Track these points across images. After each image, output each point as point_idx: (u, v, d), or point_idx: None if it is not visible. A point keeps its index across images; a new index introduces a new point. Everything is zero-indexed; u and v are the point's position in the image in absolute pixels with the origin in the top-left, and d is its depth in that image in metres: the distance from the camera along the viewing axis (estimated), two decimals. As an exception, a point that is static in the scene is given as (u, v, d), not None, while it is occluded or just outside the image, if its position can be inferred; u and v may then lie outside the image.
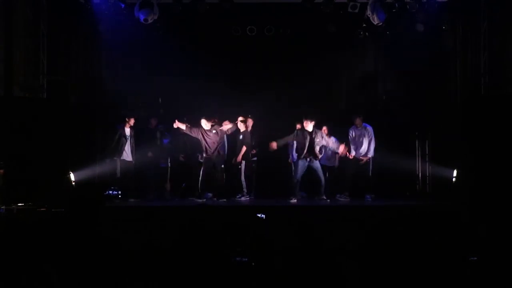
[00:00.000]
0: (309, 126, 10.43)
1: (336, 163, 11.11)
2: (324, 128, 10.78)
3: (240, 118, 10.76)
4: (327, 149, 10.86)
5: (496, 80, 10.64)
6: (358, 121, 10.76)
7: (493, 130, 9.13)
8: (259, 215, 7.31)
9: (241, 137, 10.72)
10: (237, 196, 10.65)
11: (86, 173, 10.67)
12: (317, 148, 10.31)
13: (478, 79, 10.98)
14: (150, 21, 10.62)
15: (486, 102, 10.12)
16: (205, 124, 10.47)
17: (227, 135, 10.79)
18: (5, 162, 9.04)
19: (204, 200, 10.28)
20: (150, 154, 10.51)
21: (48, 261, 3.44)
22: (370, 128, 10.75)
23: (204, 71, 11.64)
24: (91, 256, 3.18)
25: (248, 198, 10.68)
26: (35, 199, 8.77)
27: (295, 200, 10.24)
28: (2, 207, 8.35)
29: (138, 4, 10.50)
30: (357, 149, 10.72)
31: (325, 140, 10.37)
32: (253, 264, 4.43)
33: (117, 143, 10.45)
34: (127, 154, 10.52)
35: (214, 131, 10.46)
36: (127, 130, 10.56)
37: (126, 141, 10.50)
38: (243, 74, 11.96)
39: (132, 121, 10.59)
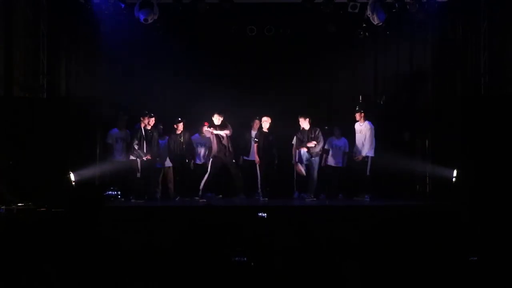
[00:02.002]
0: (304, 124, 10.51)
1: (342, 163, 11.07)
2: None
3: (264, 118, 10.78)
4: (334, 149, 10.91)
5: (496, 80, 10.64)
6: (357, 116, 10.72)
7: (493, 130, 9.14)
8: (260, 214, 7.32)
9: (271, 138, 10.76)
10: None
11: (86, 173, 10.67)
12: (316, 147, 10.34)
13: (478, 79, 10.99)
14: (150, 21, 10.61)
15: (486, 102, 10.12)
16: (217, 119, 10.48)
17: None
18: (5, 162, 9.04)
19: (205, 200, 10.28)
20: (146, 157, 10.41)
21: (48, 261, 3.44)
22: (370, 125, 10.68)
23: (204, 71, 11.62)
24: (91, 256, 3.18)
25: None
26: (35, 199, 8.77)
27: (309, 199, 10.38)
28: (2, 207, 8.35)
29: (138, 4, 10.49)
30: (357, 146, 10.72)
31: (317, 140, 10.41)
32: (252, 264, 4.43)
33: (139, 143, 10.38)
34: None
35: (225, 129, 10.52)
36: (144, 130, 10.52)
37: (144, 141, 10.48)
38: (243, 74, 11.93)
39: (146, 121, 10.54)
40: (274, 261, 4.52)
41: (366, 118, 10.74)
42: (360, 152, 10.64)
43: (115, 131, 10.73)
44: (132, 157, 10.36)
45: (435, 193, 10.91)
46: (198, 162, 11.02)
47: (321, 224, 6.83)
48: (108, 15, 10.78)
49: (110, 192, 10.44)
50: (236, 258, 4.42)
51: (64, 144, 9.65)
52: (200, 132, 10.90)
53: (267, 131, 10.78)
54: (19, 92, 10.29)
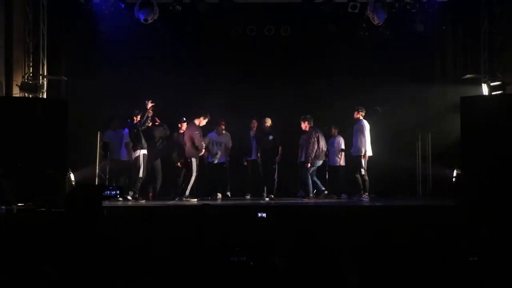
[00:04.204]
0: (303, 126, 10.56)
1: (338, 162, 11.07)
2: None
3: (265, 119, 10.77)
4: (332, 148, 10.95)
5: (496, 80, 10.65)
6: (355, 114, 10.66)
7: (493, 130, 9.13)
8: (260, 214, 7.32)
9: (270, 137, 10.74)
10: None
11: (86, 173, 10.68)
12: (312, 148, 10.36)
13: (478, 79, 11.00)
14: (150, 21, 10.62)
15: (486, 102, 10.12)
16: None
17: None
18: (5, 162, 9.04)
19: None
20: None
21: (48, 261, 3.45)
22: (362, 124, 10.59)
23: (204, 70, 11.63)
24: (91, 256, 3.18)
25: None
26: (35, 199, 8.77)
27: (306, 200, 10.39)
28: (2, 207, 8.34)
29: (138, 4, 10.49)
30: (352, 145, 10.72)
31: (316, 142, 10.40)
32: (251, 263, 4.43)
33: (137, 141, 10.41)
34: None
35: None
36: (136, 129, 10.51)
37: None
38: (243, 74, 11.93)
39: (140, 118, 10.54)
40: (274, 261, 4.52)
41: (363, 117, 10.66)
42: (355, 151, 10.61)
43: (108, 133, 10.77)
44: (135, 155, 10.31)
45: (435, 193, 10.91)
46: (210, 160, 11.05)
47: (321, 224, 6.83)
48: (108, 15, 10.79)
49: (108, 192, 10.39)
50: (235, 258, 4.42)
51: (64, 144, 9.65)
52: (219, 131, 11.00)
53: (267, 130, 10.76)
54: (19, 92, 10.30)
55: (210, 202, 10.00)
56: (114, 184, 10.62)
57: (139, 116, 10.37)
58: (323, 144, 10.53)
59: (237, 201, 10.56)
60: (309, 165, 10.41)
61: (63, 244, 3.24)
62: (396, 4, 10.78)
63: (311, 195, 10.46)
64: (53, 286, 3.29)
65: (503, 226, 6.30)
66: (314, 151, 10.39)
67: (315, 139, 10.40)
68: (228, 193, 11.10)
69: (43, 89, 10.79)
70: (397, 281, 4.41)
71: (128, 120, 10.52)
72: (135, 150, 10.29)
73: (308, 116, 10.64)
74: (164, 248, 4.74)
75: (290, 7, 11.10)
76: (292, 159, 11.11)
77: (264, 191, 10.71)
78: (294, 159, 11.05)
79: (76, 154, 10.54)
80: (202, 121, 10.57)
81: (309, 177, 10.49)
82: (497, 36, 10.72)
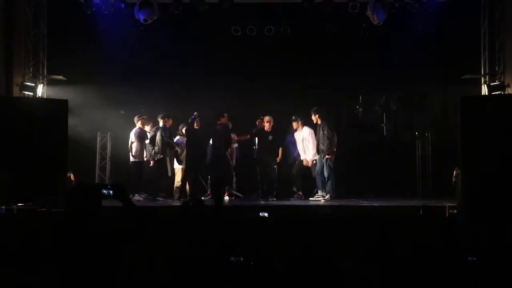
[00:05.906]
0: (315, 119, 10.47)
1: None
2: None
3: (266, 118, 10.68)
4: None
5: (496, 80, 10.66)
6: (294, 125, 10.71)
7: (493, 130, 9.12)
8: (261, 214, 7.31)
9: (270, 137, 10.68)
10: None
11: (86, 173, 10.68)
12: (324, 143, 10.26)
13: (478, 79, 11.01)
14: (150, 21, 10.63)
15: (486, 102, 10.10)
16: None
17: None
18: (5, 162, 9.04)
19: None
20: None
21: (48, 260, 3.45)
22: (309, 130, 10.63)
23: (203, 71, 11.63)
24: (91, 256, 3.18)
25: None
26: (35, 199, 8.77)
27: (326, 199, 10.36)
28: (2, 207, 8.35)
29: (138, 4, 10.50)
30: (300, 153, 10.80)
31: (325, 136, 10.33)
32: (251, 263, 4.43)
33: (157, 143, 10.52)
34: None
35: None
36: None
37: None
38: (243, 74, 11.93)
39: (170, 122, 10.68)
40: (274, 261, 4.52)
41: (304, 125, 10.63)
42: (306, 157, 10.63)
43: (137, 131, 10.78)
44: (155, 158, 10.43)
45: (435, 193, 10.92)
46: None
47: (321, 224, 6.84)
48: (108, 15, 10.79)
49: (106, 191, 10.38)
50: (235, 258, 4.42)
51: (64, 144, 9.64)
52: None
53: (267, 130, 10.71)
54: (19, 92, 10.30)
55: (209, 203, 10.09)
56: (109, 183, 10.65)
57: (168, 119, 10.61)
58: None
59: (237, 202, 10.56)
60: (330, 156, 10.22)
61: (63, 244, 3.24)
62: (396, 4, 10.78)
63: (332, 194, 10.30)
64: (53, 286, 3.29)
65: (503, 226, 6.30)
66: (335, 142, 10.27)
67: (333, 130, 10.31)
68: (226, 193, 11.04)
69: (43, 89, 10.80)
70: (397, 282, 4.41)
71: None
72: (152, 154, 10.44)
73: (319, 108, 10.54)
74: (164, 248, 4.74)
75: (290, 7, 11.11)
76: (291, 159, 11.12)
77: (263, 192, 10.67)
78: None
79: (76, 154, 10.54)
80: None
81: (333, 172, 10.31)
82: (497, 36, 10.72)
